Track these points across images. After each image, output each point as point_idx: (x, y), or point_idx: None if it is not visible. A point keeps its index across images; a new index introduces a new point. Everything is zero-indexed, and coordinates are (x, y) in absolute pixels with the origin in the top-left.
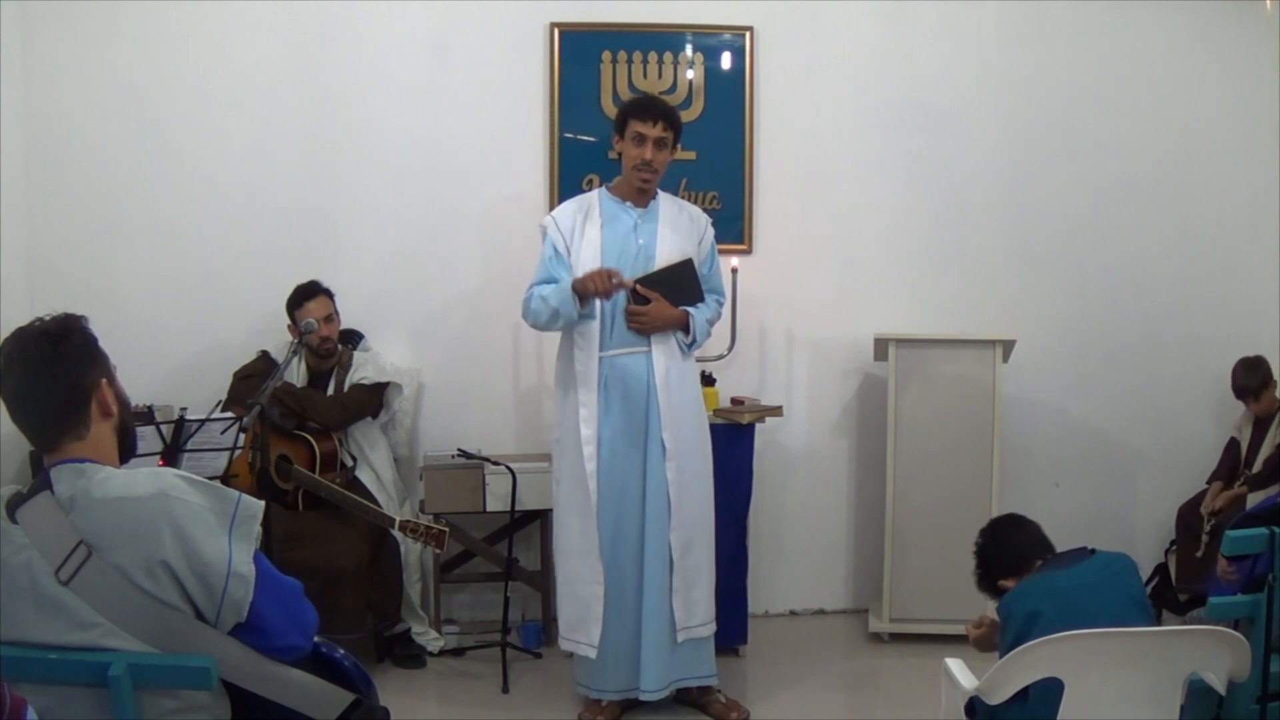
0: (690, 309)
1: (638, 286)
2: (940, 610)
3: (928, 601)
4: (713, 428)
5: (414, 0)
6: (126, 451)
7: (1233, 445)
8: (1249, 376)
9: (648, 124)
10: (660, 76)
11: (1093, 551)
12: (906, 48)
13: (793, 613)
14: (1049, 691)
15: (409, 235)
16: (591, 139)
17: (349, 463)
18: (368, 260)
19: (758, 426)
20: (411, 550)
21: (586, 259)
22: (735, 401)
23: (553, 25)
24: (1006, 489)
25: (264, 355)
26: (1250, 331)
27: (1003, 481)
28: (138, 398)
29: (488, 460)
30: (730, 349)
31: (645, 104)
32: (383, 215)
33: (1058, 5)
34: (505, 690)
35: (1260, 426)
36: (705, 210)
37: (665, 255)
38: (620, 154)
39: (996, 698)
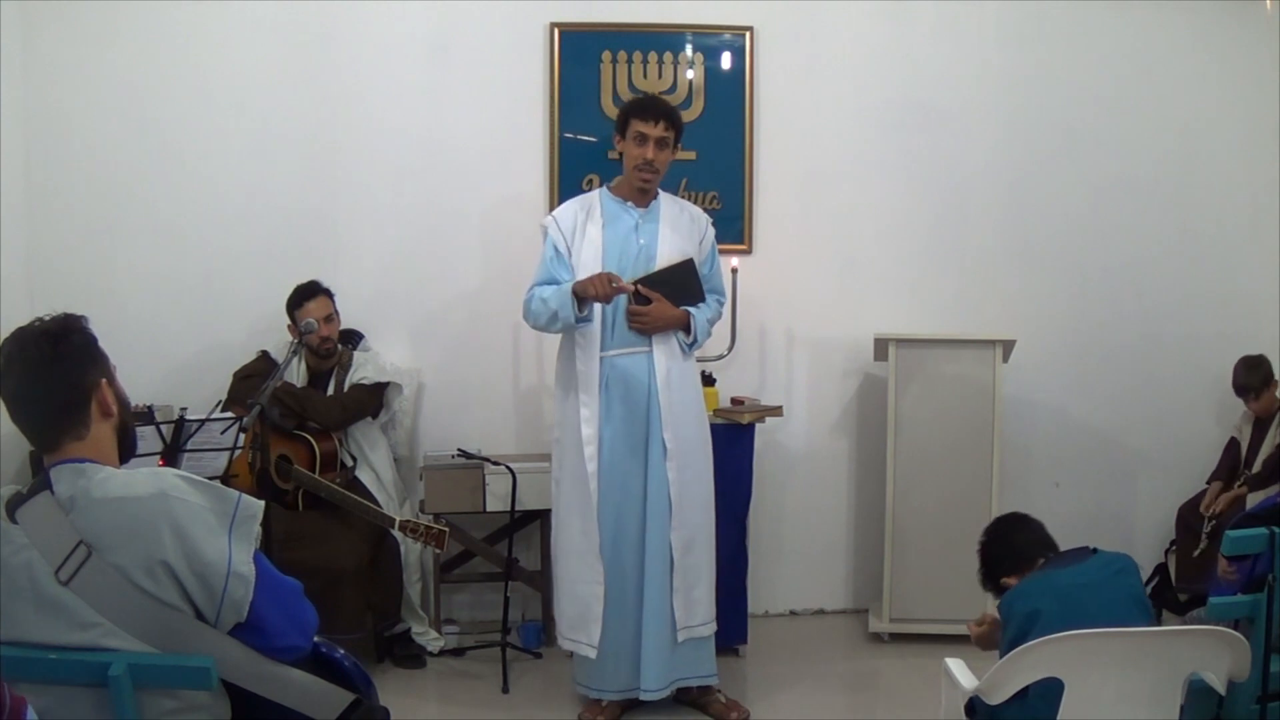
0: (691, 309)
1: (639, 287)
2: (940, 610)
3: (928, 601)
4: (713, 428)
5: (414, 0)
6: (126, 451)
7: (1233, 445)
8: (1250, 375)
9: (649, 123)
10: (660, 76)
11: (1094, 551)
12: (906, 48)
13: (793, 613)
14: (1049, 691)
15: (409, 235)
16: (591, 139)
17: (349, 463)
18: (368, 260)
19: (758, 426)
20: (411, 550)
21: (587, 259)
22: (735, 401)
23: (553, 25)
24: (1006, 489)
25: (264, 355)
26: (1250, 331)
27: (1003, 481)
28: (138, 398)
29: (488, 460)
30: (730, 349)
31: (647, 104)
32: (383, 215)
33: (1058, 5)
34: (505, 690)
35: (1260, 426)
36: (705, 210)
37: (666, 255)
38: (621, 154)
39: (996, 697)
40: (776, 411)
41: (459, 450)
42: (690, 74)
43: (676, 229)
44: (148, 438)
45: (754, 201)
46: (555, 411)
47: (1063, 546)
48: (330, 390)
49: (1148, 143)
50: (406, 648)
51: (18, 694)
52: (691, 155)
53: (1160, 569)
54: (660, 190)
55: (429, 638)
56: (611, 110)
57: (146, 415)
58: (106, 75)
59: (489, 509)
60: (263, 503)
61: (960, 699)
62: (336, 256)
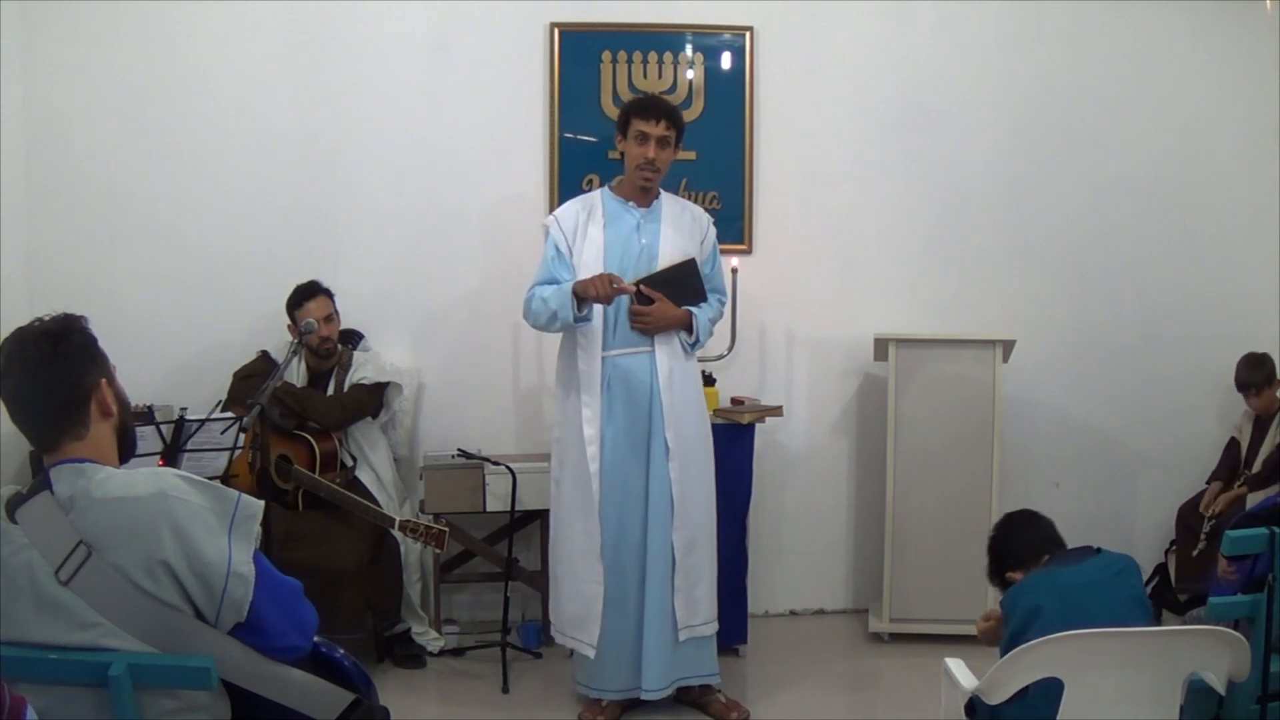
0: (693, 309)
1: (641, 287)
2: (940, 610)
3: (928, 601)
4: (713, 428)
5: (414, 0)
6: (126, 451)
7: (1233, 445)
8: (1252, 372)
9: (650, 122)
10: (660, 76)
11: (1098, 551)
12: (906, 48)
13: (793, 613)
14: (1049, 691)
15: (409, 235)
16: (592, 139)
17: (349, 463)
18: (368, 260)
19: (758, 426)
20: (411, 550)
21: (589, 259)
22: (735, 401)
23: (553, 25)
24: (1006, 489)
25: (264, 355)
26: (1250, 331)
27: (1003, 481)
28: (138, 398)
29: (488, 460)
30: (730, 349)
31: (648, 103)
32: (383, 215)
33: (1058, 5)
34: (505, 690)
35: (1260, 426)
36: (705, 210)
37: (668, 255)
38: (623, 153)
39: (996, 697)
40: (776, 411)
41: (459, 450)
42: (690, 74)
43: (678, 229)
44: (148, 438)
45: (754, 201)
46: (556, 411)
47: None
48: (330, 390)
49: (1148, 143)
50: (406, 648)
51: (18, 694)
52: (691, 155)
53: (1160, 569)
54: (662, 190)
55: (429, 638)
56: (611, 110)
57: (146, 415)
58: (106, 75)
59: (489, 509)
60: (263, 503)
61: (960, 699)
62: (336, 256)
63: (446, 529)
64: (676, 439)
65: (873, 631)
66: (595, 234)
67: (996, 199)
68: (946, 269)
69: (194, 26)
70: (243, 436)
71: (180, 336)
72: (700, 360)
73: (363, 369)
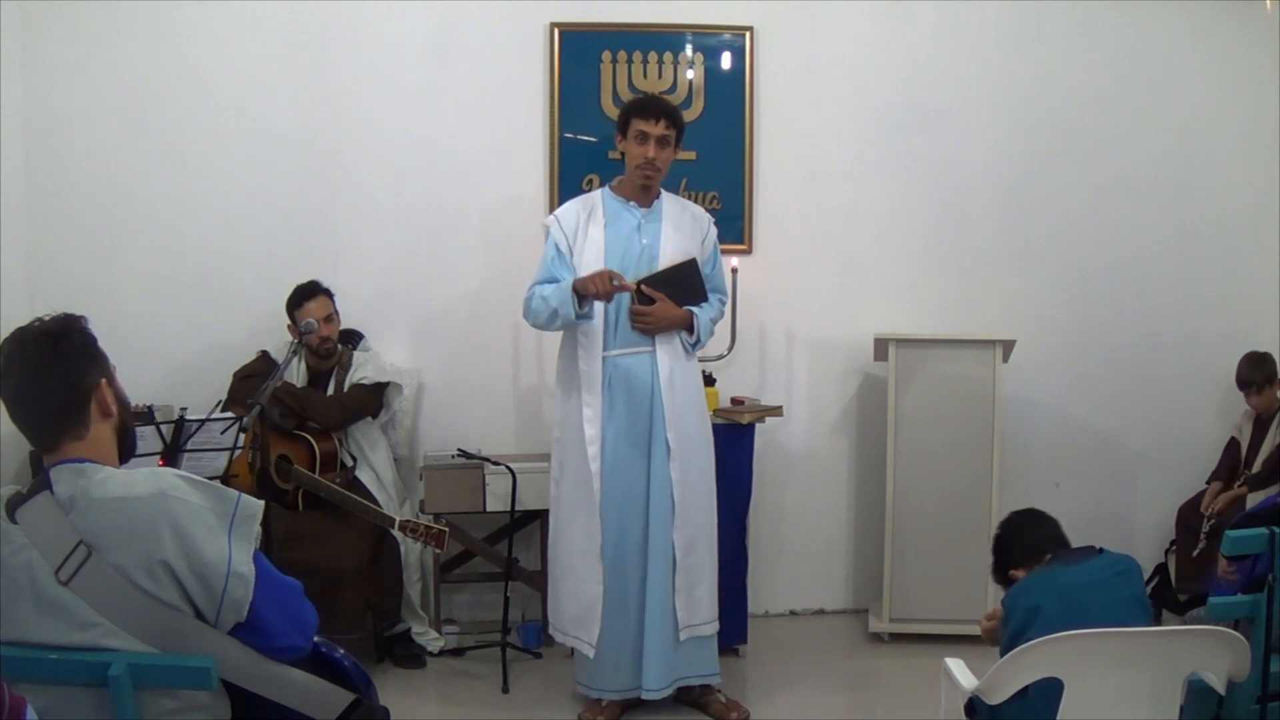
0: (694, 309)
1: (642, 286)
2: (940, 610)
3: (928, 601)
4: (713, 428)
5: (414, 0)
6: (126, 451)
7: (1233, 445)
8: (1254, 370)
9: (650, 122)
10: (660, 76)
11: (1100, 551)
12: (906, 48)
13: (793, 613)
14: (1049, 691)
15: (409, 235)
16: (592, 139)
17: (349, 463)
18: (368, 260)
19: (758, 426)
20: (411, 550)
21: (590, 259)
22: (735, 401)
23: (553, 25)
24: (1006, 489)
25: (264, 355)
26: (1250, 331)
27: (1003, 481)
28: (138, 398)
29: (488, 460)
30: (730, 349)
31: (648, 103)
32: (383, 215)
33: (1058, 5)
34: (505, 690)
35: (1260, 426)
36: (705, 210)
37: (669, 255)
38: (623, 154)
39: (996, 697)
40: (776, 411)
41: (459, 450)
42: (690, 74)
43: (679, 228)
44: (148, 438)
45: (754, 201)
46: (556, 411)
47: None
48: (330, 390)
49: (1148, 143)
50: (406, 648)
51: (17, 694)
52: (691, 155)
53: (1160, 569)
54: (662, 189)
55: (429, 638)
56: (611, 110)
57: (146, 415)
58: (106, 75)
59: (489, 509)
60: (262, 502)
61: (960, 699)
62: (336, 256)
63: (446, 529)
64: (677, 439)
65: (873, 631)
66: (596, 234)
67: (996, 199)
68: (946, 269)
69: (194, 26)
70: (243, 436)
71: (180, 336)
72: (700, 360)
73: (363, 369)
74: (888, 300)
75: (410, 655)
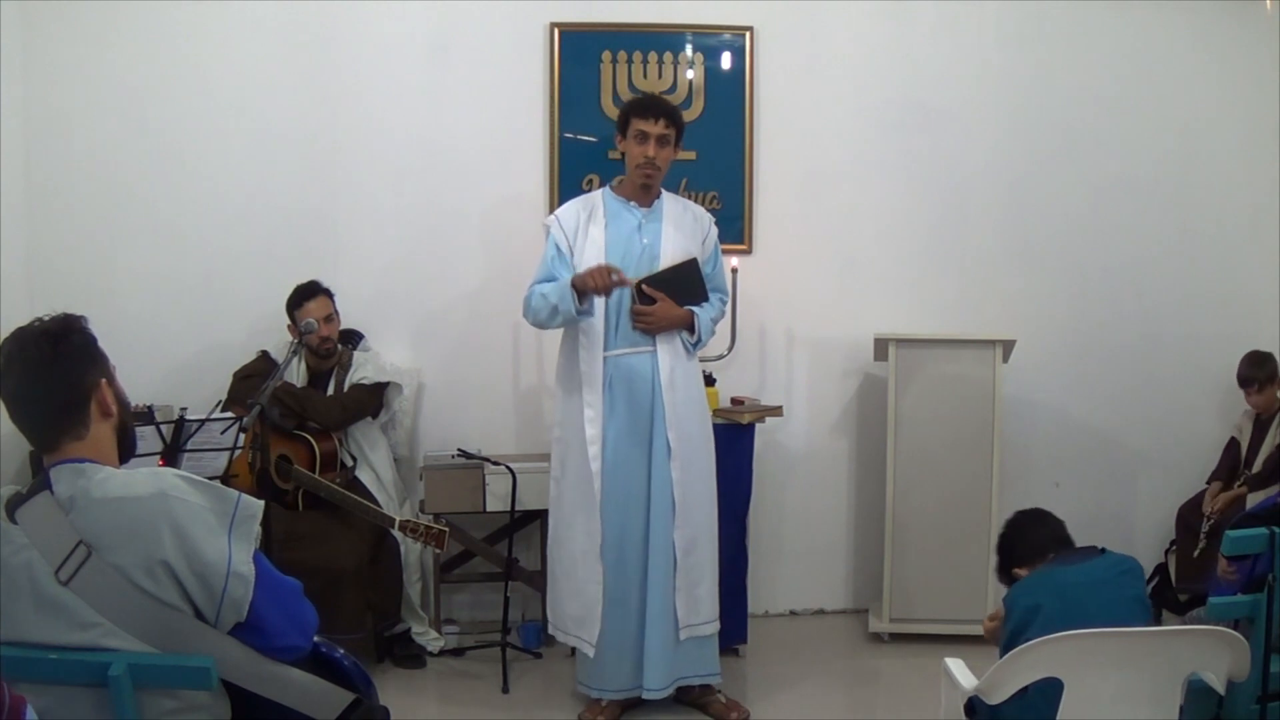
0: (695, 308)
1: (644, 286)
2: (940, 610)
3: (928, 601)
4: (713, 427)
5: (414, 0)
6: (126, 451)
7: (1233, 445)
8: (1255, 369)
9: (650, 121)
10: (660, 76)
11: (1103, 551)
12: (906, 48)
13: (793, 613)
14: (1049, 691)
15: (409, 235)
16: (591, 139)
17: (349, 463)
18: (368, 260)
19: (758, 426)
20: (411, 550)
21: (590, 259)
22: (735, 401)
23: (553, 25)
24: (1006, 489)
25: (264, 355)
26: (1251, 331)
27: (1003, 481)
28: (138, 398)
29: (488, 460)
30: (730, 349)
31: (647, 102)
32: (383, 215)
33: (1058, 5)
34: (505, 690)
35: (1260, 426)
36: (705, 210)
37: (670, 254)
38: (623, 154)
39: (996, 697)
40: (776, 411)
41: (459, 450)
42: (690, 74)
43: (680, 228)
44: (148, 438)
45: (754, 201)
46: (557, 411)
47: None
48: (330, 390)
49: (1148, 143)
50: (406, 648)
51: (18, 694)
52: (691, 155)
53: (1160, 569)
54: (663, 189)
55: (429, 638)
56: (611, 110)
57: (146, 415)
58: (106, 75)
59: (489, 509)
60: (262, 502)
61: (960, 699)
62: (336, 256)
63: (446, 529)
64: (678, 439)
65: (873, 631)
66: (596, 234)
67: (996, 199)
68: (946, 269)
69: (194, 26)
70: (243, 436)
71: (180, 336)
72: (700, 360)
73: (363, 369)
74: (888, 300)
75: (410, 655)
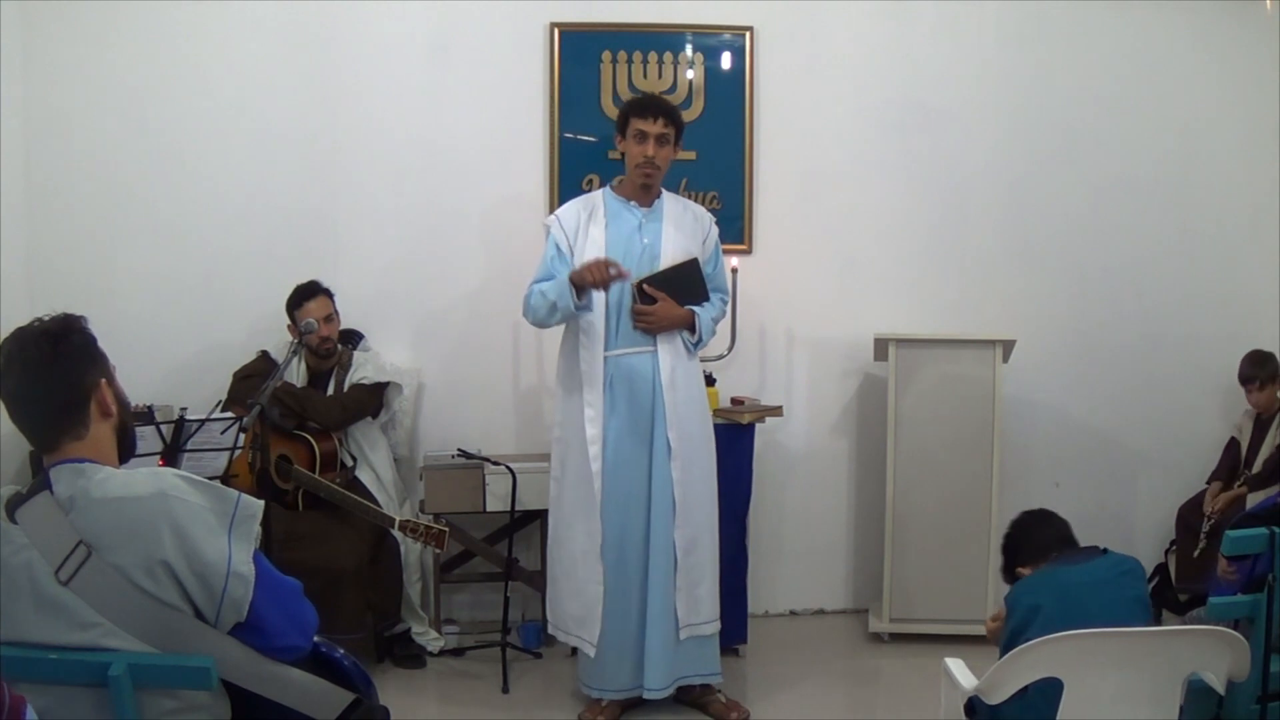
0: (695, 308)
1: (644, 286)
2: (940, 610)
3: (928, 601)
4: (714, 427)
5: (414, 0)
6: (126, 451)
7: (1233, 445)
8: (1256, 368)
9: (649, 121)
10: (660, 76)
11: (1105, 551)
12: (906, 48)
13: (793, 613)
14: (1049, 691)
15: (409, 235)
16: (591, 139)
17: (349, 463)
18: (368, 260)
19: (758, 426)
20: (411, 550)
21: (590, 258)
22: (735, 401)
23: (553, 25)
24: (1006, 489)
25: (264, 355)
26: (1251, 331)
27: (1003, 481)
28: (138, 398)
29: (488, 460)
30: (730, 349)
31: (646, 102)
32: (383, 215)
33: (1058, 5)
34: (505, 690)
35: (1261, 426)
36: (706, 210)
37: (670, 254)
38: (623, 154)
39: (996, 697)
40: (776, 411)
41: (459, 450)
42: (690, 74)
43: (680, 228)
44: (148, 438)
45: (754, 201)
46: (557, 410)
47: None
48: (330, 390)
49: (1148, 143)
50: (406, 648)
51: (18, 694)
52: (691, 155)
53: (1160, 569)
54: (663, 189)
55: (429, 638)
56: (611, 110)
57: (146, 415)
58: (106, 75)
59: (489, 509)
60: (262, 502)
61: (960, 699)
62: (336, 256)
63: (446, 529)
64: (679, 438)
65: (873, 631)
66: (597, 234)
67: (996, 199)
68: (946, 269)
69: (194, 26)
70: (243, 436)
71: (180, 336)
72: (701, 360)
73: (363, 369)
74: (888, 300)
75: (410, 655)
